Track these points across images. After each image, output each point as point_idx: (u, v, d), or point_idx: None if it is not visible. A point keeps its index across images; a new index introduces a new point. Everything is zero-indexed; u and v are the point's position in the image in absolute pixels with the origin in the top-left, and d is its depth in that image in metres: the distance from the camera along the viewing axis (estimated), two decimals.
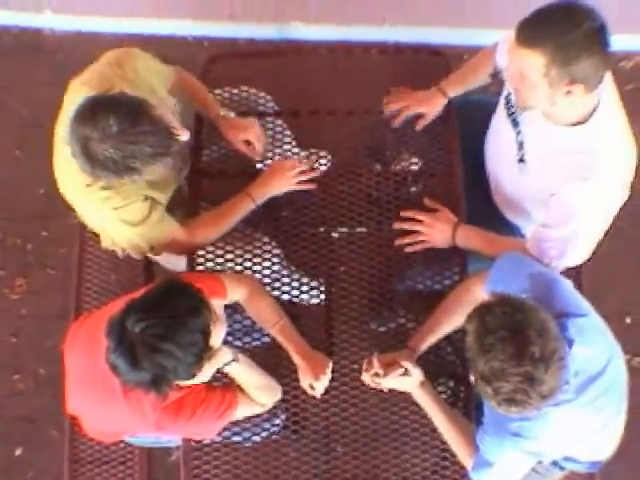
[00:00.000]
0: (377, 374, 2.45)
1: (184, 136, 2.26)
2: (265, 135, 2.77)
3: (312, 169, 2.74)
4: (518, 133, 2.49)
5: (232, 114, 2.74)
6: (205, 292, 2.16)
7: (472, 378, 2.05)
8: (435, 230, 2.62)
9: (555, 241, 2.41)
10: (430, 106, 2.75)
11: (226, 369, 2.31)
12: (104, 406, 2.30)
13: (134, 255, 2.66)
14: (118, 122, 2.10)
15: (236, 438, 2.61)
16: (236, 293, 2.51)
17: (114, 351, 1.98)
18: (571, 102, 2.23)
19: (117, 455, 2.90)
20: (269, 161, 2.89)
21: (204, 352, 2.05)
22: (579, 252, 2.47)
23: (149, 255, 2.75)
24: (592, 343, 2.13)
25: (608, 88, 2.35)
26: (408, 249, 2.63)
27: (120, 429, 2.49)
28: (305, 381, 2.52)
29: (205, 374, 2.19)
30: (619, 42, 3.61)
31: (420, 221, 2.63)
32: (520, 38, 2.17)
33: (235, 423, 2.49)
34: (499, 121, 2.58)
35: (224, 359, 2.25)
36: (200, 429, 2.36)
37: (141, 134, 2.13)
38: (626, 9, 3.63)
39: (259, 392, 2.41)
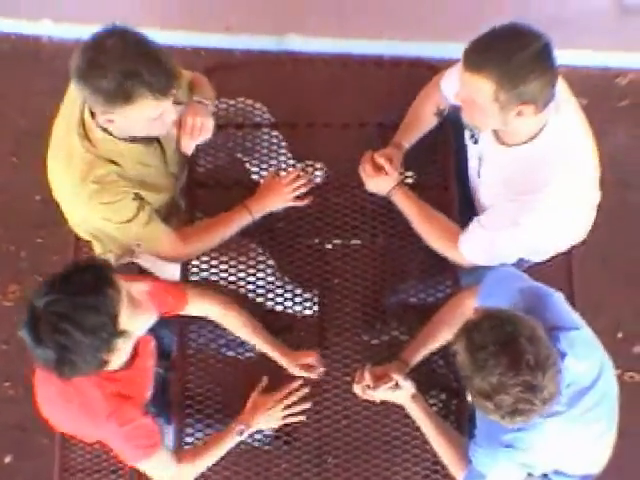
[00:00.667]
0: (368, 386, 2.46)
1: (174, 114, 2.33)
2: (205, 129, 2.57)
3: (309, 181, 2.74)
4: (478, 149, 2.53)
5: (209, 103, 2.64)
6: (162, 291, 2.19)
7: (469, 397, 2.06)
8: (371, 180, 2.64)
9: (487, 242, 2.46)
10: (391, 162, 2.67)
11: (235, 435, 2.42)
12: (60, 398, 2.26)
13: (124, 258, 2.67)
14: (135, 42, 2.18)
15: None
16: (200, 307, 2.52)
17: (24, 326, 1.96)
18: (523, 122, 2.27)
19: (108, 464, 2.88)
20: (265, 172, 2.90)
21: (114, 336, 2.00)
22: (510, 257, 2.52)
23: (136, 260, 2.76)
24: (584, 356, 2.14)
25: (564, 97, 2.37)
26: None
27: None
28: (294, 367, 2.53)
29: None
30: (614, 59, 3.70)
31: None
32: (467, 64, 2.20)
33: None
34: (466, 139, 2.61)
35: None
36: (112, 443, 2.31)
37: (151, 56, 2.18)
38: (621, 27, 3.66)
39: (208, 460, 2.47)
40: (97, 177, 2.36)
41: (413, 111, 2.72)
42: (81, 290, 1.95)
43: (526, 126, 2.31)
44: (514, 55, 2.14)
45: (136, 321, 2.08)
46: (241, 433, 2.49)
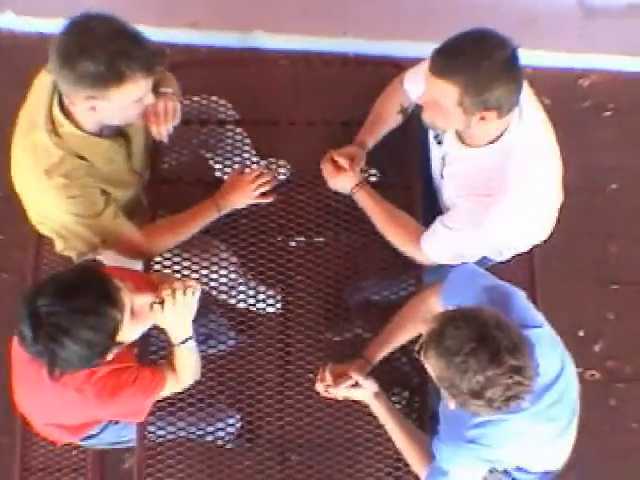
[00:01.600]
0: (330, 384, 2.47)
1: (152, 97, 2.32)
2: (173, 116, 2.56)
3: (272, 179, 2.73)
4: (442, 149, 2.54)
5: (172, 90, 2.61)
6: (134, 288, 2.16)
7: (452, 405, 2.06)
8: (332, 179, 2.63)
9: (449, 241, 2.47)
10: (353, 161, 2.65)
11: (181, 348, 2.32)
12: (41, 390, 2.25)
13: (86, 255, 2.65)
14: (116, 23, 2.18)
15: (192, 436, 2.61)
16: None
17: (22, 322, 1.97)
18: (485, 125, 2.28)
19: (69, 462, 2.87)
20: (229, 169, 2.89)
21: (109, 348, 2.04)
22: (473, 257, 2.54)
23: (98, 258, 2.73)
24: (547, 353, 2.16)
25: (526, 99, 2.39)
26: None
27: (60, 415, 2.43)
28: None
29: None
30: (577, 61, 3.74)
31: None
32: (433, 68, 2.21)
33: (191, 423, 2.51)
34: (429, 140, 2.62)
35: (184, 335, 2.29)
36: (130, 409, 2.34)
37: (134, 35, 2.19)
38: (584, 29, 3.70)
39: (191, 375, 2.42)
40: (65, 171, 2.33)
41: (376, 109, 2.72)
42: (84, 309, 1.97)
43: (489, 129, 2.33)
44: (481, 62, 2.15)
45: (134, 332, 2.12)
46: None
